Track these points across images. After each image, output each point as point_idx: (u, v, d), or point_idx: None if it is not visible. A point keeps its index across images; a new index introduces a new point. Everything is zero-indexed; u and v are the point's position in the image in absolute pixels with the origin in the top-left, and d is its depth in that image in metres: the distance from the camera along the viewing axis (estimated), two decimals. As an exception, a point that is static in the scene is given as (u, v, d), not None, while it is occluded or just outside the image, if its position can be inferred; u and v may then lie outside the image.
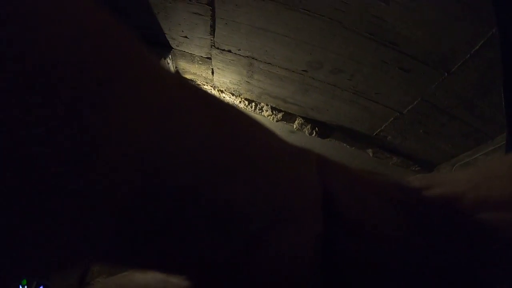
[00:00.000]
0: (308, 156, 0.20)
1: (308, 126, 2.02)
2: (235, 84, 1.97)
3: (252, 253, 0.17)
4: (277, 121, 2.03)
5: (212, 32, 1.60)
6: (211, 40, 1.66)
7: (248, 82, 1.90)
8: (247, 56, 1.70)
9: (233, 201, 0.16)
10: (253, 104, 2.05)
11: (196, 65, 1.91)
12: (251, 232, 0.17)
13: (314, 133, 2.01)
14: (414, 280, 0.19)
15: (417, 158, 2.03)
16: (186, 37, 1.69)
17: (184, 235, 0.15)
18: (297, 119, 2.03)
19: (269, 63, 1.70)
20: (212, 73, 1.93)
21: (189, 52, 1.81)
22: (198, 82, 2.04)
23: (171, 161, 0.14)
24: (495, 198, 0.18)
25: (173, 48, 1.80)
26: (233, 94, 2.05)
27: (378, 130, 1.93)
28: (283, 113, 2.04)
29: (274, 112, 2.04)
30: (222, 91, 2.05)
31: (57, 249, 0.12)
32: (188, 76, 2.03)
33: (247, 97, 2.04)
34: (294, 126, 2.04)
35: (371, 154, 2.04)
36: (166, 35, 1.70)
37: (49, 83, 0.11)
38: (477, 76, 1.35)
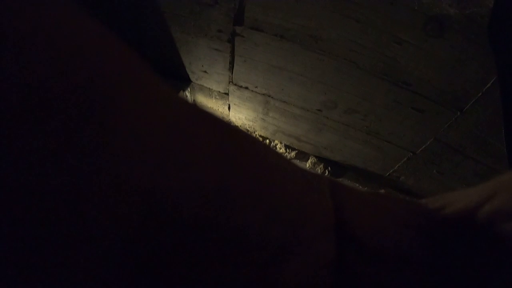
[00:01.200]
0: (320, 181, 0.20)
1: (321, 165, 2.02)
2: (250, 121, 2.00)
3: (265, 280, 0.16)
4: (290, 159, 2.04)
5: (231, 68, 1.66)
6: (229, 76, 1.72)
7: (263, 119, 1.94)
8: (263, 94, 1.75)
9: (245, 228, 0.15)
10: (267, 141, 2.07)
11: (214, 100, 1.96)
12: (263, 259, 0.16)
13: (327, 172, 2.00)
14: None
15: (431, 199, 1.96)
16: (205, 71, 1.76)
17: (194, 265, 0.15)
18: (310, 158, 2.04)
19: (285, 101, 1.74)
20: (229, 108, 1.98)
21: (208, 86, 1.87)
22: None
23: (177, 188, 0.13)
24: (508, 208, 0.18)
25: (192, 82, 1.86)
26: (247, 131, 2.08)
27: (391, 171, 1.90)
28: (296, 151, 2.06)
29: (287, 150, 2.06)
30: (237, 127, 2.08)
31: (61, 280, 0.12)
32: (205, 111, 2.08)
33: (262, 134, 2.07)
34: (307, 165, 2.04)
35: (384, 195, 2.00)
36: (186, 68, 1.77)
37: (48, 99, 0.11)
38: (489, 113, 1.35)
